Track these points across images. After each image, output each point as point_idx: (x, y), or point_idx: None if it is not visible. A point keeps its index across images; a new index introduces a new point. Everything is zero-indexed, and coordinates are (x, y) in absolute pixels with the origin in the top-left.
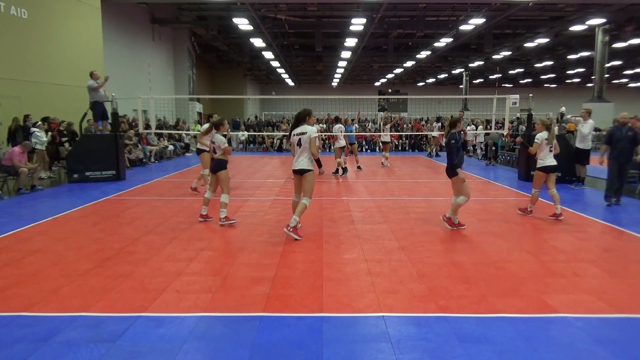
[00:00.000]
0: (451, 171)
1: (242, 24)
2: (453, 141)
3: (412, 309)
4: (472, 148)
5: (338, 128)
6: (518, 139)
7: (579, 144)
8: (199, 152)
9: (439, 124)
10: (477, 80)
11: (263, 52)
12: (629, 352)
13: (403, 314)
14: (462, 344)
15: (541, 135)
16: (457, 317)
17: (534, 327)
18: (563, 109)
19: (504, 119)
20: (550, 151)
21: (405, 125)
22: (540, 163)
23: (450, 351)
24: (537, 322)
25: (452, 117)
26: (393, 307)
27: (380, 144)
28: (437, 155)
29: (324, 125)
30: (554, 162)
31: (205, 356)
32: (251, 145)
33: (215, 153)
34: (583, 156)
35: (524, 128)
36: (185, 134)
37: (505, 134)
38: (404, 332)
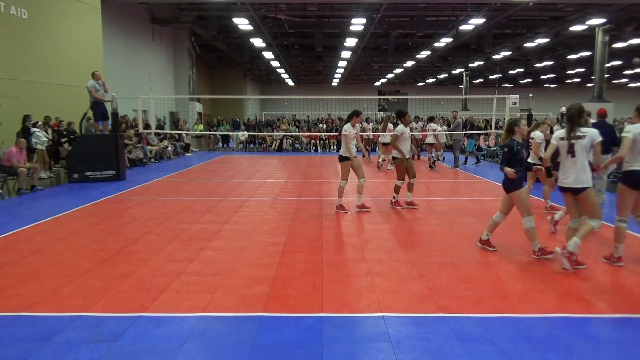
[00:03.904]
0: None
1: (242, 24)
2: (506, 149)
3: (412, 309)
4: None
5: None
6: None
7: None
8: (342, 159)
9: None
10: (477, 80)
11: (263, 52)
12: (629, 352)
13: (403, 314)
14: (462, 344)
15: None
16: (457, 317)
17: (534, 327)
18: (563, 109)
19: (499, 120)
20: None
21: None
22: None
23: (450, 351)
24: (537, 322)
25: (511, 119)
26: (393, 307)
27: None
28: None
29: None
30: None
31: (205, 356)
32: (251, 145)
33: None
34: None
35: None
36: (186, 133)
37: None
38: (404, 332)
